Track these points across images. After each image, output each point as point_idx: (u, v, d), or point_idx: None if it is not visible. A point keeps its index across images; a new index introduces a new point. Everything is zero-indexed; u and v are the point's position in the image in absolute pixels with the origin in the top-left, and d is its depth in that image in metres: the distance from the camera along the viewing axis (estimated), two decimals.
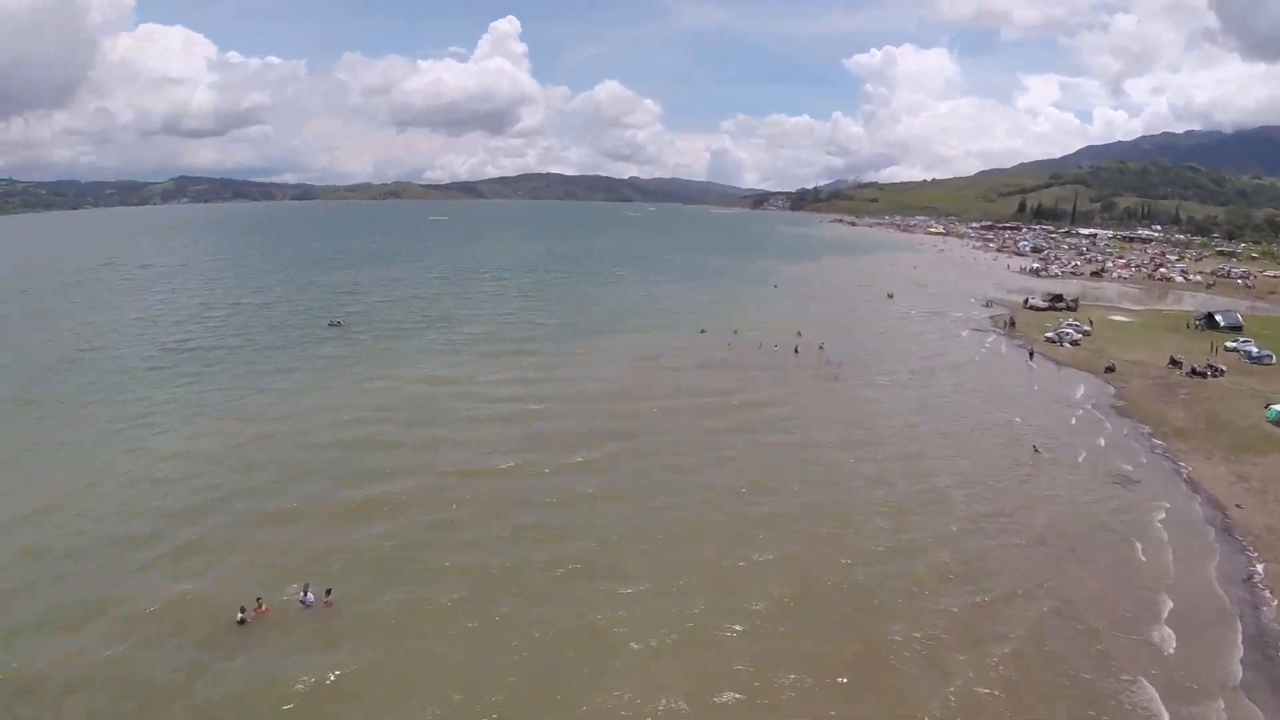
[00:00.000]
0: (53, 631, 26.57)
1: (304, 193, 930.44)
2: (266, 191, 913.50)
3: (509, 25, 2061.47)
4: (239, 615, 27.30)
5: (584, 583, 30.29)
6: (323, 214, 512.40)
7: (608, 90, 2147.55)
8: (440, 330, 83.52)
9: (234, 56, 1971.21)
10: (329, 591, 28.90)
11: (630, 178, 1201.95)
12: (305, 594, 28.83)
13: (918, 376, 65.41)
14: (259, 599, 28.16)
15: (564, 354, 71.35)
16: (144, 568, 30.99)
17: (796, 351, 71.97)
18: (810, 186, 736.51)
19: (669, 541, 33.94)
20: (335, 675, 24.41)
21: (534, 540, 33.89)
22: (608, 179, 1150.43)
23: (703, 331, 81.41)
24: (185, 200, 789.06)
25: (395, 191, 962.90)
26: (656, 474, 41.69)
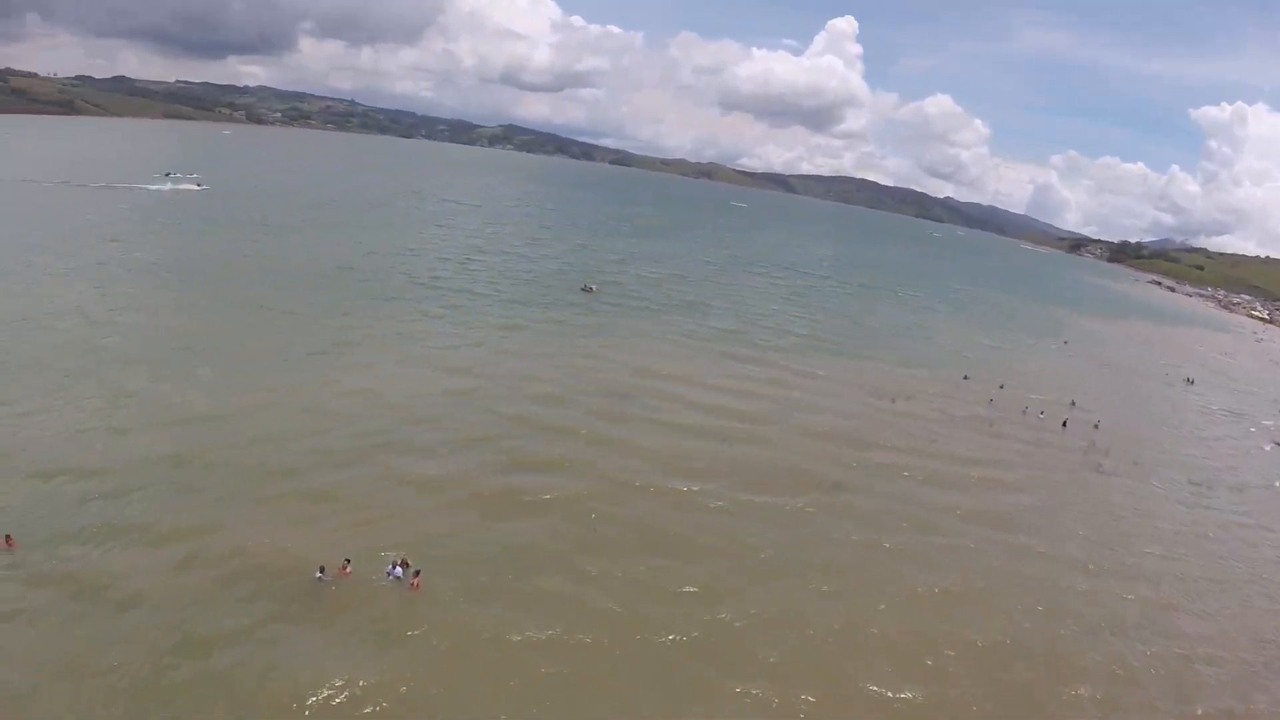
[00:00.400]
0: (144, 541, 28.64)
1: (621, 159, 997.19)
2: (587, 152, 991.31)
3: (847, 25, 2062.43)
4: (318, 573, 27.54)
5: (691, 662, 26.11)
6: (633, 181, 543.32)
7: (938, 104, 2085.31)
8: (686, 316, 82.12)
9: (576, 20, 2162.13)
10: (417, 573, 28.29)
11: (945, 198, 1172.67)
12: (394, 568, 28.56)
13: (1198, 492, 55.46)
14: (346, 560, 28.34)
15: (802, 371, 66.39)
16: (263, 501, 32.59)
17: (1065, 425, 64.81)
18: (1133, 240, 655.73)
19: (816, 641, 28.50)
20: (362, 685, 23.01)
21: (663, 589, 30.20)
22: (921, 195, 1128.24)
23: (966, 378, 75.13)
24: (510, 147, 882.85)
25: (708, 172, 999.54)
26: (844, 548, 35.83)
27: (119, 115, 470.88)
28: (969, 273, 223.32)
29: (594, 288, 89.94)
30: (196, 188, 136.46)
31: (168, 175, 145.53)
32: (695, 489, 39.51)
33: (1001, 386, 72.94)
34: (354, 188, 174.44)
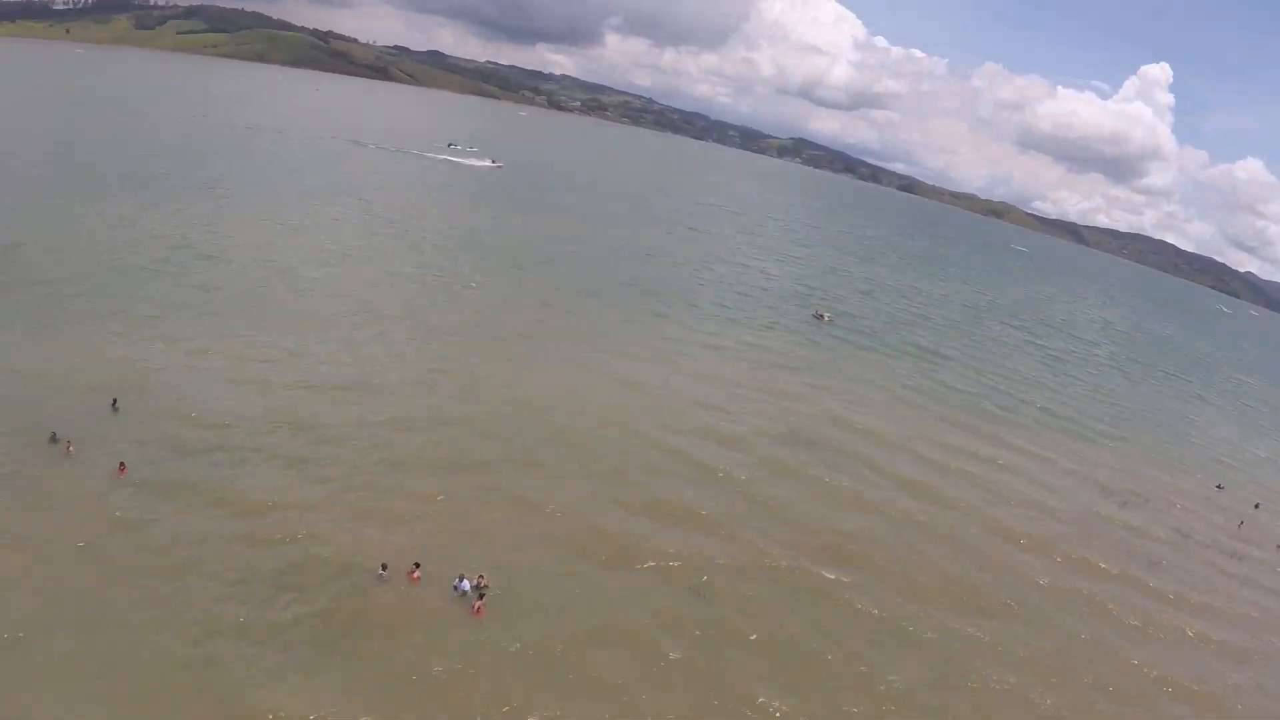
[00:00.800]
0: (228, 508, 28.69)
1: (908, 185, 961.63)
2: (875, 174, 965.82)
3: (1160, 72, 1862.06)
4: (380, 570, 26.62)
5: None
6: (915, 210, 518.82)
7: (1248, 169, 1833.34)
8: (916, 365, 73.63)
9: (879, 41, 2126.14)
10: (481, 596, 26.44)
11: (1246, 272, 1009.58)
12: (462, 580, 27.03)
13: None
14: (416, 564, 27.12)
15: (1027, 451, 56.06)
16: (361, 489, 31.88)
17: None
18: None
19: None
20: None
21: (746, 700, 24.95)
22: (1221, 266, 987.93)
23: (1219, 488, 62.35)
24: (799, 161, 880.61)
25: (997, 211, 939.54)
26: (987, 697, 28.01)
27: (428, 86, 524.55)
28: (1257, 362, 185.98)
29: (826, 316, 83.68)
30: (490, 163, 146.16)
31: (450, 145, 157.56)
32: (844, 579, 33.30)
33: (1257, 506, 59.36)
34: (620, 180, 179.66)
